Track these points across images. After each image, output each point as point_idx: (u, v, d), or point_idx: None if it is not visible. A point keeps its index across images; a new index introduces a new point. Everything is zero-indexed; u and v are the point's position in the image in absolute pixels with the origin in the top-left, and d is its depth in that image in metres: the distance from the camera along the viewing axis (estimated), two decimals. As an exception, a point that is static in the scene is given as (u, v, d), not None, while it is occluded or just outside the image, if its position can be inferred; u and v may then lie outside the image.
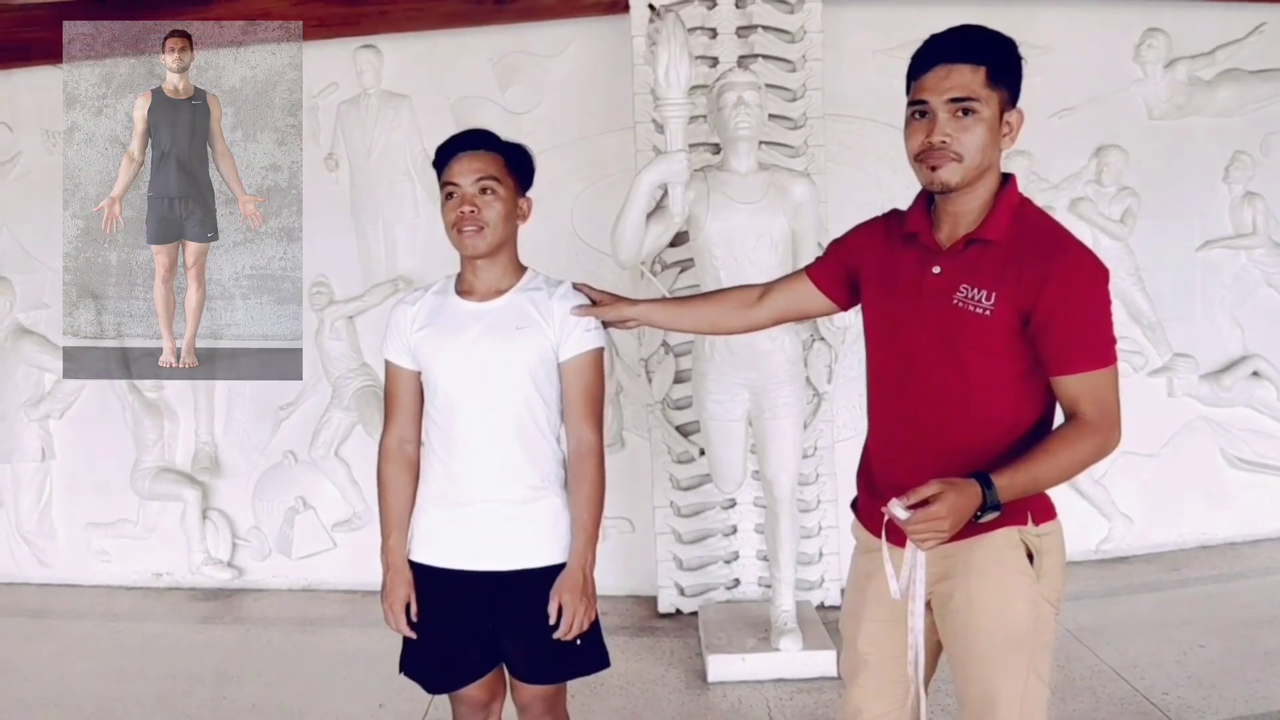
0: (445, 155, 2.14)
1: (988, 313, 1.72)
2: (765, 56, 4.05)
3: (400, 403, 2.21)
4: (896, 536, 1.85)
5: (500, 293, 2.16)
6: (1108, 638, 3.70)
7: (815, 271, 2.06)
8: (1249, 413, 4.72)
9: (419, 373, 2.19)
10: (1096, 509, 4.58)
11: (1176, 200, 4.63)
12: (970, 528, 1.72)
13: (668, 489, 4.20)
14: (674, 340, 4.14)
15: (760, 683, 3.49)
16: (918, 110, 1.75)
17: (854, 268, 1.98)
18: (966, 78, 1.70)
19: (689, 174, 3.38)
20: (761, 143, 3.69)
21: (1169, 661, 3.50)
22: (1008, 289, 1.72)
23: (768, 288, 2.15)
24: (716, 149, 3.83)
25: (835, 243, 2.07)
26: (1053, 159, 4.50)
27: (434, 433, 2.18)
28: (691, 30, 3.91)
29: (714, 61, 4.02)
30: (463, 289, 2.18)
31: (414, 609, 2.17)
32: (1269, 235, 4.69)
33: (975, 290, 1.74)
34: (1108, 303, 1.74)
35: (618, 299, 2.22)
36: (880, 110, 4.19)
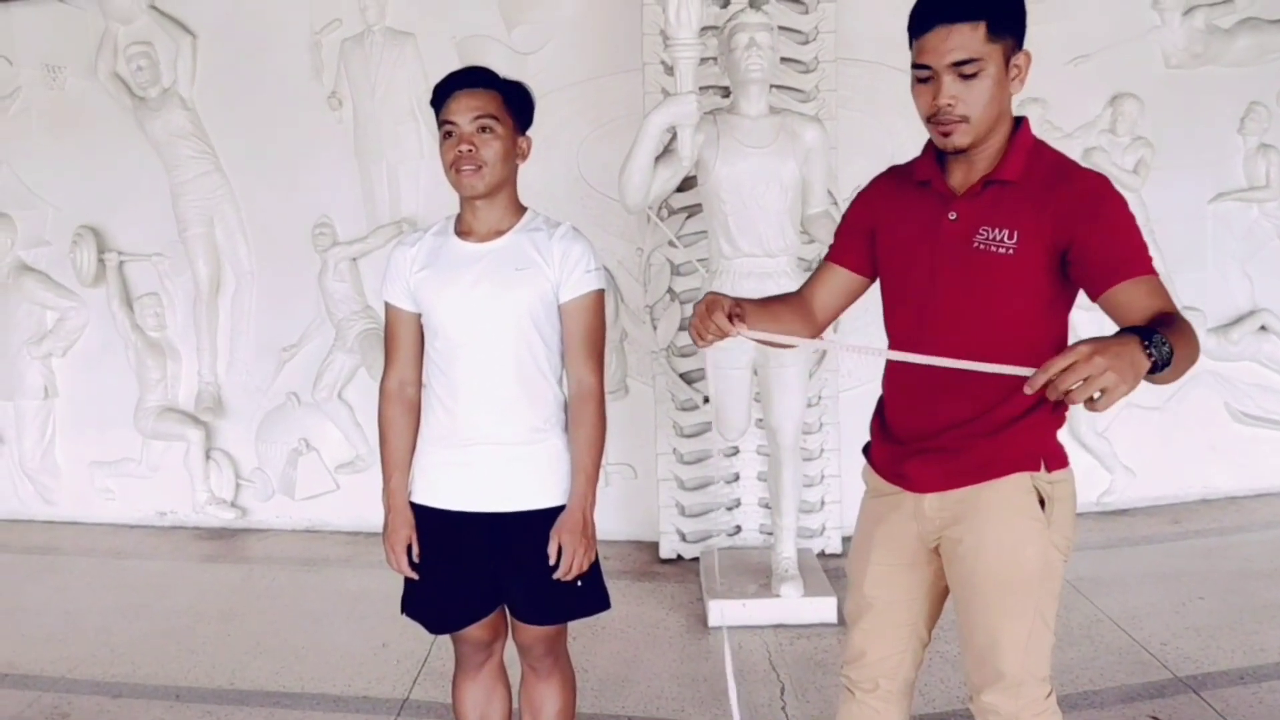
0: (443, 93, 2.09)
1: (1011, 251, 1.71)
2: (778, -3, 3.97)
3: (401, 345, 2.20)
4: (909, 482, 1.86)
5: (500, 233, 2.13)
6: (1107, 588, 3.72)
7: (837, 255, 1.99)
8: (1255, 367, 4.71)
9: (419, 315, 2.17)
10: (1099, 461, 4.58)
11: (1190, 151, 4.57)
12: (980, 472, 1.75)
13: (671, 436, 4.20)
14: (679, 287, 4.12)
15: (760, 628, 3.51)
16: (921, 74, 1.71)
17: (869, 229, 1.93)
18: (966, 37, 1.65)
19: (698, 117, 3.33)
20: (772, 86, 3.63)
21: (1167, 612, 3.52)
22: (1030, 225, 1.70)
23: (807, 291, 2.02)
24: (726, 92, 3.77)
25: (844, 218, 2.01)
26: (1067, 107, 4.43)
27: (435, 375, 2.16)
28: (702, -31, 3.83)
29: (725, 2, 3.93)
30: (462, 230, 2.15)
31: (415, 550, 2.18)
32: (1283, 188, 4.63)
33: (996, 230, 1.72)
34: (1136, 220, 1.71)
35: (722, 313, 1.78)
36: (892, 55, 4.05)
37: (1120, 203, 1.69)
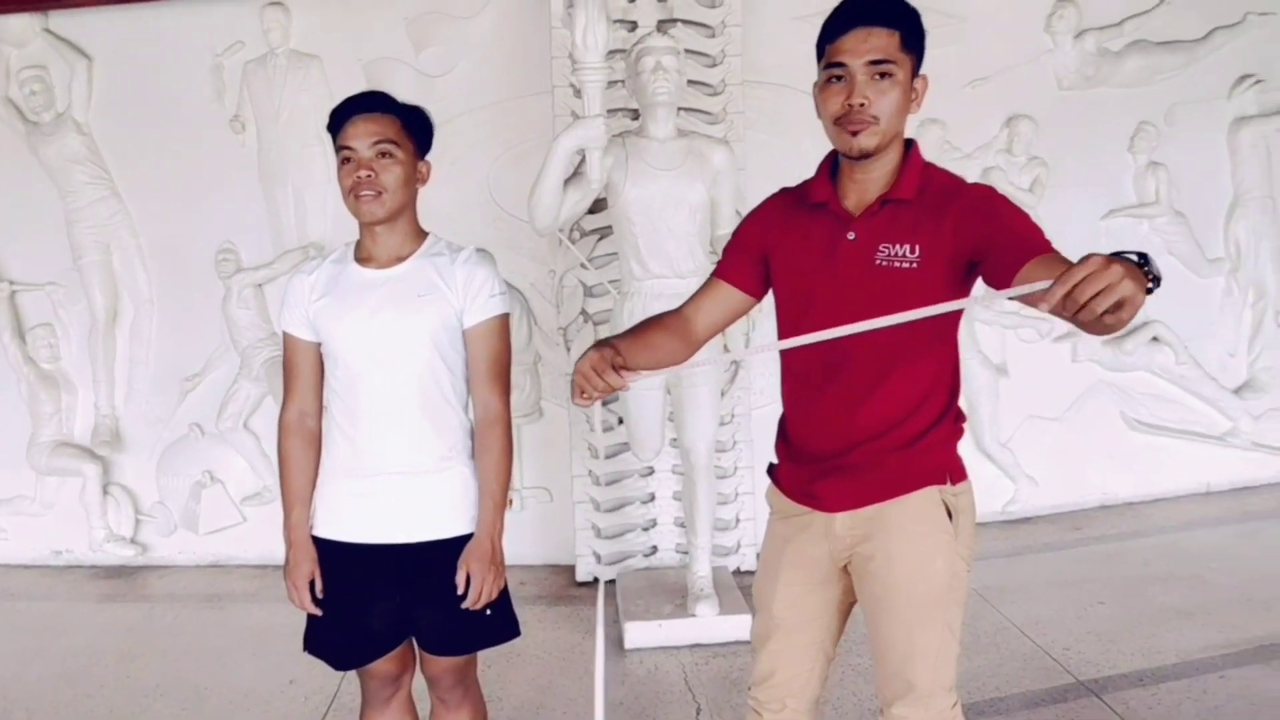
0: (340, 118, 2.07)
1: (914, 265, 1.73)
2: (684, 21, 4.00)
3: (300, 375, 2.15)
4: (820, 502, 1.87)
5: (401, 259, 2.10)
6: (1012, 596, 3.82)
7: (726, 272, 1.99)
8: (1148, 377, 4.88)
9: (318, 344, 2.13)
10: (1003, 471, 4.71)
11: (1084, 170, 4.74)
12: (891, 488, 1.80)
13: (586, 458, 4.19)
14: (592, 309, 4.11)
15: (676, 648, 3.51)
16: (834, 74, 1.73)
17: (761, 251, 1.94)
18: (884, 40, 1.70)
19: (607, 139, 3.34)
20: (680, 109, 3.66)
21: (1069, 618, 3.62)
22: (930, 239, 1.73)
23: (690, 308, 2.00)
24: (636, 114, 3.79)
25: (734, 236, 2.01)
26: (965, 128, 4.56)
27: (336, 405, 2.12)
28: (610, -7, 3.86)
29: (633, 26, 3.96)
30: (362, 256, 2.12)
31: (319, 585, 2.13)
32: (1171, 204, 4.84)
33: (897, 246, 1.75)
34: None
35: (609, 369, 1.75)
36: (799, 77, 4.09)
37: (1010, 200, 1.76)
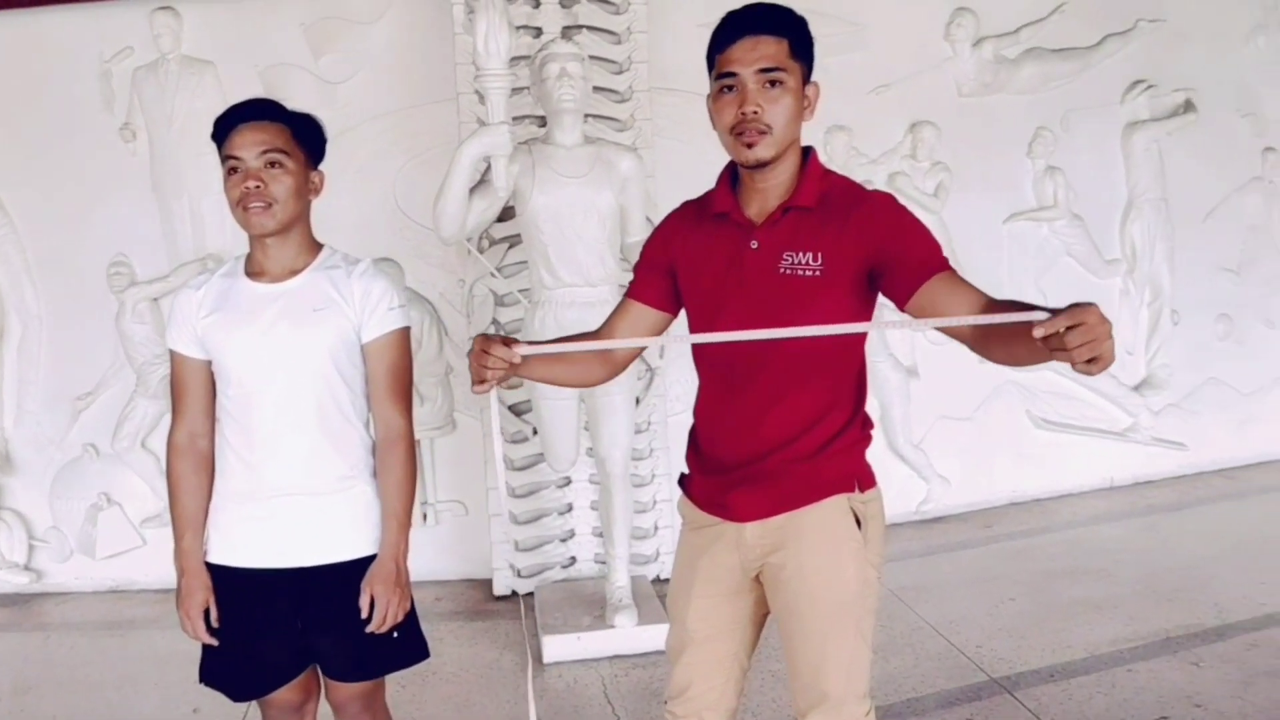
0: (225, 126, 1.99)
1: (818, 273, 1.74)
2: (590, 28, 3.97)
3: (190, 394, 2.06)
4: (730, 512, 1.86)
5: (295, 273, 2.03)
6: (927, 595, 3.87)
7: (638, 292, 1.98)
8: (1052, 376, 4.98)
9: (208, 362, 2.04)
10: (916, 472, 4.78)
11: (985, 174, 4.84)
12: (800, 497, 1.81)
13: (501, 470, 4.11)
14: (503, 318, 4.05)
15: (596, 660, 3.47)
16: (725, 84, 1.74)
17: (667, 266, 1.93)
18: (773, 48, 1.72)
19: (512, 146, 3.30)
20: (587, 116, 3.63)
21: (981, 615, 3.68)
22: (832, 246, 1.74)
23: (607, 330, 1.98)
24: (543, 122, 3.75)
25: (641, 254, 2.01)
26: (870, 134, 4.62)
27: (229, 425, 2.04)
28: (514, -1, 3.81)
29: (537, 32, 3.91)
30: (253, 270, 2.04)
31: (214, 614, 2.05)
32: (1069, 207, 4.98)
33: (800, 254, 1.75)
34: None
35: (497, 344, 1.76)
36: (706, 84, 4.18)
37: (910, 213, 1.78)
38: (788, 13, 1.77)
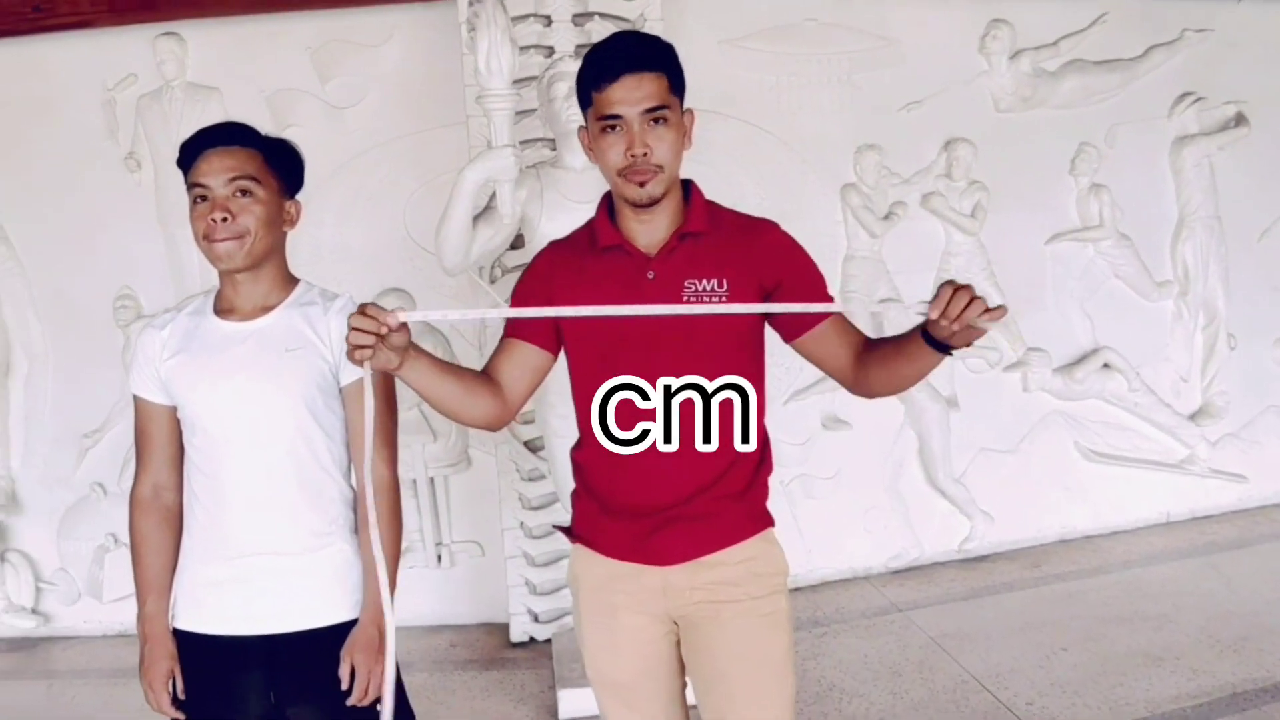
0: (191, 152, 1.83)
1: (724, 298, 1.74)
2: (604, 47, 3.81)
3: (154, 444, 1.91)
4: (657, 556, 1.79)
5: (267, 310, 1.86)
6: (971, 644, 3.62)
7: (516, 329, 1.84)
8: (1101, 405, 4.74)
9: (174, 407, 1.88)
10: (958, 507, 4.52)
11: (1024, 193, 4.60)
12: (730, 535, 1.80)
13: (517, 509, 3.93)
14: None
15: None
16: (609, 125, 1.71)
17: (549, 303, 1.79)
18: (655, 86, 1.70)
19: (517, 171, 3.13)
20: (599, 137, 3.46)
21: (1032, 667, 3.42)
22: (735, 272, 1.75)
23: (492, 370, 1.84)
24: (553, 145, 3.58)
25: (515, 295, 1.90)
26: (903, 153, 4.41)
27: (196, 478, 1.88)
28: (524, 17, 3.67)
29: (549, 51, 3.75)
30: (223, 308, 1.88)
31: (180, 685, 1.89)
32: (1115, 227, 4.72)
33: (704, 281, 1.74)
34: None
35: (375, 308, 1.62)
36: (725, 103, 4.02)
37: (803, 248, 1.83)
38: (661, 45, 1.76)
